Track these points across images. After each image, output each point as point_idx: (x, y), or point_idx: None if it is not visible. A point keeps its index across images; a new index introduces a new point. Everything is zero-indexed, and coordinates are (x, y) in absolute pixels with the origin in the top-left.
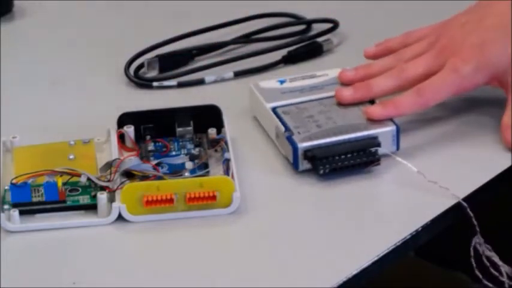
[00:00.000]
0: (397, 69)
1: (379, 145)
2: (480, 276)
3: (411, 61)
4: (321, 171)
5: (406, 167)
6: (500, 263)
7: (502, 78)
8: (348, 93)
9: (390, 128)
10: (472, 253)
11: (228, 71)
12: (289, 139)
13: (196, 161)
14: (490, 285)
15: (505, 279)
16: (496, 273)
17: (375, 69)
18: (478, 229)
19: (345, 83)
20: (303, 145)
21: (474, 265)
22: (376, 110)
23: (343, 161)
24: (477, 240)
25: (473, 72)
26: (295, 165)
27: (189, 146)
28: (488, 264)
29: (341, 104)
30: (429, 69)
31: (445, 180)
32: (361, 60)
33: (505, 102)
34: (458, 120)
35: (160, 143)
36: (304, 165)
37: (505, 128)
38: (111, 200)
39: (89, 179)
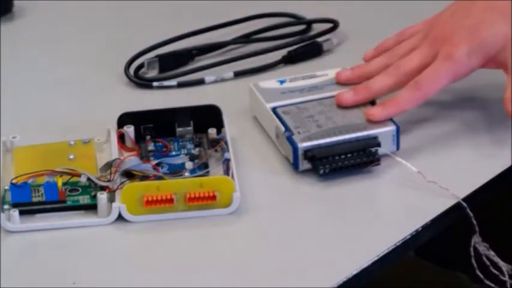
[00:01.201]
0: (393, 66)
1: (379, 145)
2: (481, 276)
3: (406, 56)
4: (321, 171)
5: (406, 167)
6: (501, 262)
7: (499, 59)
8: (348, 96)
9: (390, 128)
10: (472, 253)
11: (228, 71)
12: (289, 139)
13: (196, 161)
14: (492, 285)
15: (506, 278)
16: (497, 272)
17: (371, 68)
18: (477, 229)
19: (343, 83)
20: (303, 145)
21: (475, 265)
22: (377, 112)
23: (343, 161)
24: (476, 239)
25: (466, 56)
26: (295, 165)
27: (189, 146)
28: (488, 263)
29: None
30: (424, 61)
31: (445, 180)
32: (361, 60)
33: (505, 82)
34: (458, 121)
35: (160, 143)
36: (304, 165)
37: (507, 102)
38: (111, 200)
39: (89, 179)
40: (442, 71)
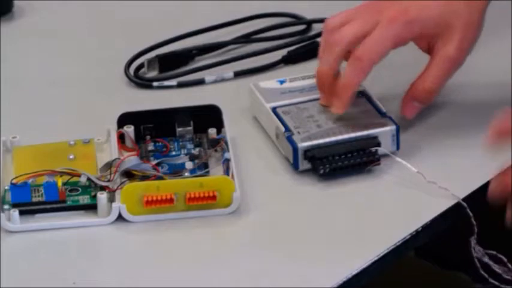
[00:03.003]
0: (351, 58)
1: (379, 145)
2: (486, 275)
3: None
4: (321, 171)
5: (406, 167)
6: (496, 265)
7: (431, 42)
8: (336, 108)
9: (390, 128)
10: (473, 254)
11: (228, 71)
12: (289, 139)
13: (196, 161)
14: (496, 283)
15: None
16: (499, 271)
17: (322, 61)
18: (476, 229)
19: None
20: (303, 145)
21: (478, 265)
22: (335, 106)
23: (343, 160)
24: (472, 243)
25: (403, 25)
26: (295, 165)
27: (189, 146)
28: (491, 262)
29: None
30: (366, 28)
31: (445, 180)
32: None
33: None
34: (458, 121)
35: (160, 143)
36: (304, 165)
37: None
38: (111, 200)
39: (89, 179)
40: (384, 35)
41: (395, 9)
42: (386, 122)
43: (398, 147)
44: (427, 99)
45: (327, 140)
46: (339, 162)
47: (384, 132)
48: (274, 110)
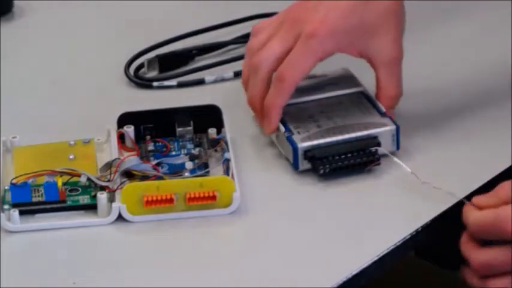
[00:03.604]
0: (274, 79)
1: (379, 145)
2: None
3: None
4: (321, 171)
5: (405, 170)
6: None
7: (362, 48)
8: (265, 129)
9: (390, 128)
10: None
11: (228, 71)
12: (289, 139)
13: (196, 161)
14: None
15: None
16: None
17: (245, 78)
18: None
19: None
20: (303, 145)
21: None
22: (265, 129)
23: (343, 160)
24: None
25: (324, 39)
26: (295, 165)
27: (189, 146)
28: None
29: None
30: (287, 46)
31: (445, 180)
32: (361, 60)
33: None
34: (458, 121)
35: (160, 143)
36: (304, 165)
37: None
38: (111, 200)
39: (89, 179)
40: (304, 52)
41: (316, 19)
42: (386, 122)
43: (398, 147)
44: (396, 103)
45: (327, 140)
46: (338, 162)
47: (384, 132)
48: None
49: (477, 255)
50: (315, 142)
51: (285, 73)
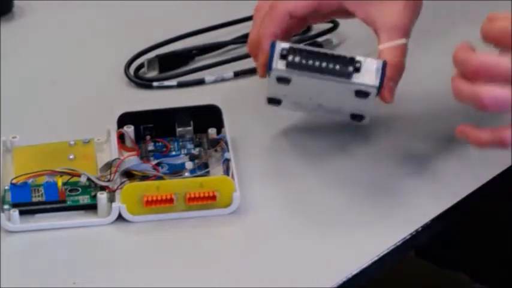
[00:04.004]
0: (268, 8)
1: (358, 69)
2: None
3: None
4: (289, 58)
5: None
6: None
7: (367, 10)
8: (259, 61)
9: (377, 60)
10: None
11: (228, 71)
12: (273, 44)
13: (196, 161)
14: None
15: None
16: None
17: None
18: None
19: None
20: (282, 45)
21: None
22: (258, 63)
23: (316, 60)
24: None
25: None
26: (269, 64)
27: (189, 146)
28: None
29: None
30: None
31: (445, 180)
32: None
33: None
34: (458, 120)
35: (160, 143)
36: (279, 64)
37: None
38: (111, 200)
39: (89, 179)
40: None
41: None
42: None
43: (380, 85)
44: (397, 75)
45: (307, 48)
46: (311, 59)
47: (370, 61)
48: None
49: (477, 56)
50: (296, 46)
51: (278, 1)
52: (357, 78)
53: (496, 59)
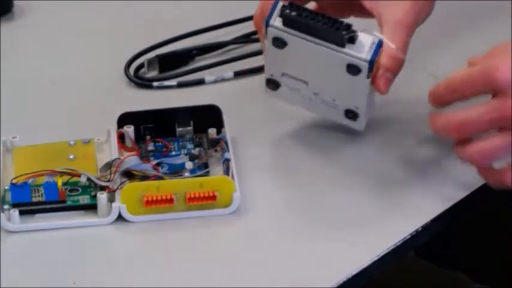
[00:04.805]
0: None
1: (352, 39)
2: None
3: None
4: (286, 11)
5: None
6: None
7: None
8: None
9: (373, 36)
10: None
11: (228, 71)
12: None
13: (196, 161)
14: None
15: None
16: None
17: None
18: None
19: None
20: (283, 3)
21: None
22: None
23: (315, 20)
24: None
25: None
26: (267, 21)
27: (189, 146)
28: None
29: None
30: None
31: (445, 180)
32: None
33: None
34: None
35: (160, 143)
36: (276, 21)
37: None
38: (111, 200)
39: (89, 179)
40: None
41: None
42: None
43: (372, 59)
44: (396, 67)
45: (309, 9)
46: (308, 18)
47: (366, 36)
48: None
49: (473, 146)
50: (296, 1)
51: None
52: (350, 49)
53: (468, 117)
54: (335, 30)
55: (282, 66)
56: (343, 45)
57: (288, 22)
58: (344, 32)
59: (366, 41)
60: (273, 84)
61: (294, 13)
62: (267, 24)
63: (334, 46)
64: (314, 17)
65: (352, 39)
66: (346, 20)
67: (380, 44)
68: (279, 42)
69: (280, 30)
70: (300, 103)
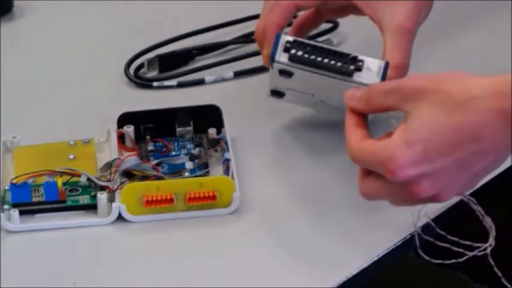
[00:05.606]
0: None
1: (359, 68)
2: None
3: None
4: (292, 51)
5: None
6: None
7: (375, 9)
8: (264, 52)
9: (379, 60)
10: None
11: (228, 71)
12: (277, 36)
13: (196, 161)
14: None
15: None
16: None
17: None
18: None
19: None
20: (286, 38)
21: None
22: (263, 52)
23: (319, 56)
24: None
25: None
26: (272, 56)
27: (189, 146)
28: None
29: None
30: None
31: None
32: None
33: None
34: None
35: (160, 143)
36: (282, 57)
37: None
38: (111, 200)
39: (89, 179)
40: None
41: None
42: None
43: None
44: (401, 75)
45: (312, 42)
46: (313, 54)
47: (372, 61)
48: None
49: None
50: (299, 39)
51: None
52: (358, 77)
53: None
54: (342, 65)
55: (288, 86)
56: (350, 76)
57: (293, 59)
58: (352, 67)
59: (372, 66)
60: (277, 95)
61: (300, 52)
62: (273, 59)
63: (342, 77)
64: (319, 53)
65: (359, 69)
66: (350, 51)
67: (387, 67)
68: (286, 73)
69: (286, 66)
70: (305, 105)
